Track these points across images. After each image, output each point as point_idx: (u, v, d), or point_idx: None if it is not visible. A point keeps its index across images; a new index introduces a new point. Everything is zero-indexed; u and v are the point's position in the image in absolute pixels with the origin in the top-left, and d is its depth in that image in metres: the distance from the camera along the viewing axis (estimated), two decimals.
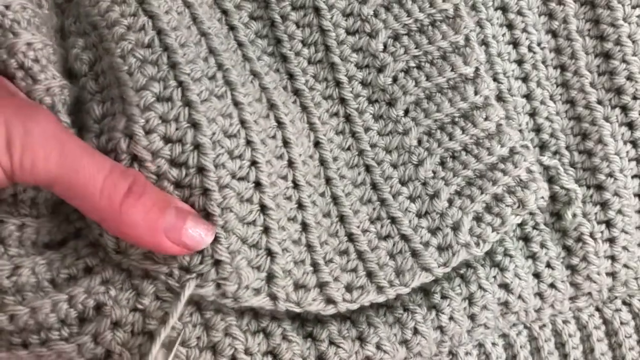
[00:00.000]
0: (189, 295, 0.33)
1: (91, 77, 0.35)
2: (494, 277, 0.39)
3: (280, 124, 0.36)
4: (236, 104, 0.35)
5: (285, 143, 0.36)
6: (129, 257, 0.34)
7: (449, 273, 0.38)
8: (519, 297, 0.39)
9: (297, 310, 0.35)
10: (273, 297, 0.34)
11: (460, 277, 0.38)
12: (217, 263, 0.33)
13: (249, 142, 0.34)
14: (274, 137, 0.36)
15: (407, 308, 0.37)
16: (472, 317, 0.38)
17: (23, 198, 0.34)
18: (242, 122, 0.35)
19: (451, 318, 0.37)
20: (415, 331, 0.37)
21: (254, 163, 0.34)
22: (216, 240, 0.33)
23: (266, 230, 0.34)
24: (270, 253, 0.34)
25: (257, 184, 0.34)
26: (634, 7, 0.41)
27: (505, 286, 0.39)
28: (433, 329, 0.37)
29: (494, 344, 0.40)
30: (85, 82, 0.35)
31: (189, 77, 0.34)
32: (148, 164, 0.33)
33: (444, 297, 0.38)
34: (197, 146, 0.33)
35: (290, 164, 0.36)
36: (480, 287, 0.38)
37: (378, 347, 0.36)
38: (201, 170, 0.33)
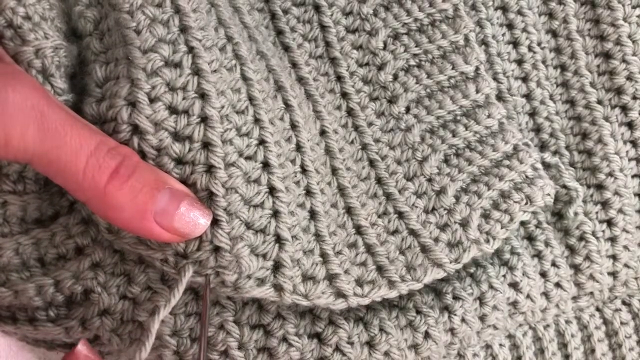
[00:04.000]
0: (187, 282, 0.31)
1: (96, 36, 0.33)
2: (504, 275, 0.38)
3: (288, 107, 0.35)
4: (245, 79, 0.33)
5: (294, 126, 0.35)
6: (122, 239, 0.31)
7: (459, 272, 0.37)
8: (528, 296, 0.38)
9: (305, 303, 0.33)
10: (278, 289, 0.32)
11: (470, 276, 0.37)
12: (217, 250, 0.31)
13: (257, 120, 0.33)
14: (281, 119, 0.34)
15: (420, 310, 0.36)
16: (482, 318, 0.37)
17: (8, 172, 0.31)
18: (251, 99, 0.33)
19: (463, 320, 0.36)
20: (427, 335, 0.35)
21: (262, 142, 0.32)
22: (217, 224, 0.31)
23: (275, 214, 0.32)
24: (279, 239, 0.32)
25: (266, 165, 0.32)
26: (634, 7, 0.41)
27: (514, 285, 0.38)
28: (444, 332, 0.36)
29: (501, 345, 0.39)
30: (89, 41, 0.33)
31: (200, 43, 0.32)
32: (149, 137, 0.30)
33: (456, 297, 0.36)
34: (204, 119, 0.31)
35: (299, 148, 0.35)
36: (491, 286, 0.37)
37: (386, 354, 0.35)
38: (207, 145, 0.31)
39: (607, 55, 0.42)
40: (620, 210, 0.41)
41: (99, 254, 0.32)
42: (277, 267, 0.32)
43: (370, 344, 0.35)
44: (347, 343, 0.34)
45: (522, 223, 0.40)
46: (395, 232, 0.36)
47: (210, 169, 0.31)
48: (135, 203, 0.29)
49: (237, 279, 0.31)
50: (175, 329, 0.32)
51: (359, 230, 0.36)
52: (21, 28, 0.30)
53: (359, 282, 0.34)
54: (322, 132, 0.37)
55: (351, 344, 0.34)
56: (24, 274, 0.32)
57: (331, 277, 0.34)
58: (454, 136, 0.38)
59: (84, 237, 0.32)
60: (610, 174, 0.41)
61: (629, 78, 0.41)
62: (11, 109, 0.27)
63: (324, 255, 0.34)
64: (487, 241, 0.36)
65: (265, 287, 0.32)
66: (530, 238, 0.40)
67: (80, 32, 0.33)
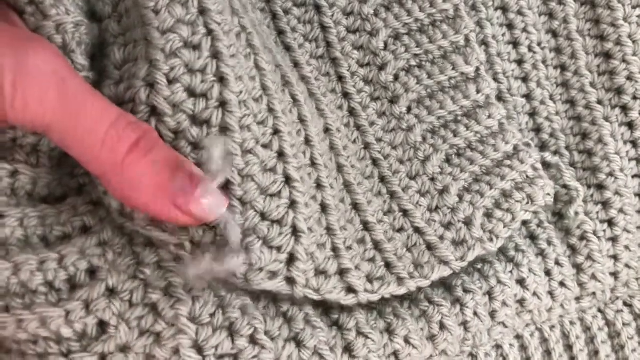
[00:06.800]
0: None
1: (114, 18, 0.32)
2: (510, 272, 0.38)
3: (295, 101, 0.34)
4: (259, 68, 0.32)
5: (302, 120, 0.34)
6: (134, 221, 0.30)
7: (467, 268, 0.37)
8: (534, 294, 0.38)
9: (316, 297, 0.32)
10: (291, 282, 0.31)
11: (478, 272, 0.37)
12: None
13: (271, 110, 0.32)
14: (290, 112, 0.34)
15: (432, 301, 0.36)
16: (492, 314, 0.37)
17: (22, 143, 0.30)
18: (264, 89, 0.32)
19: (475, 313, 0.36)
20: (442, 326, 0.35)
21: (276, 132, 0.32)
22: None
23: (293, 204, 0.31)
24: (295, 231, 0.31)
25: (281, 154, 0.32)
26: (634, 7, 0.41)
27: (521, 282, 0.38)
28: (458, 325, 0.36)
29: (511, 346, 0.39)
30: (108, 24, 0.32)
31: (219, 27, 0.31)
32: (167, 119, 0.30)
33: (466, 290, 0.36)
34: (223, 103, 0.30)
35: (307, 141, 0.34)
36: (499, 281, 0.37)
37: (406, 340, 0.34)
38: (225, 130, 0.30)
39: (607, 56, 0.42)
40: (621, 210, 0.40)
41: (107, 233, 0.30)
42: (292, 260, 0.31)
43: (389, 331, 0.34)
44: (367, 326, 0.33)
45: (524, 223, 0.39)
46: (401, 229, 0.36)
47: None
48: (153, 179, 0.28)
49: (248, 271, 0.30)
50: (194, 313, 0.30)
51: (366, 226, 0.36)
52: (42, 4, 0.30)
53: (369, 278, 0.34)
54: (326, 130, 0.37)
55: (372, 328, 0.33)
56: (26, 250, 0.30)
57: (342, 272, 0.33)
58: (455, 136, 0.38)
59: (92, 217, 0.31)
60: (610, 174, 0.41)
61: (629, 78, 0.41)
62: (32, 71, 0.26)
63: (335, 249, 0.33)
64: (491, 240, 0.36)
65: (277, 280, 0.31)
66: (533, 237, 0.40)
67: (99, 15, 0.32)
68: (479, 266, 0.38)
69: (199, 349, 0.29)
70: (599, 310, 0.42)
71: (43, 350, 0.30)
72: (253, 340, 0.30)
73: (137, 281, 0.30)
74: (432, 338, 0.35)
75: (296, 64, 0.38)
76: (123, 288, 0.30)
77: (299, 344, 0.32)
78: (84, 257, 0.30)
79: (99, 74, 0.32)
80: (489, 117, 0.39)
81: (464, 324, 0.36)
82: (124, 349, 0.29)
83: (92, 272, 0.30)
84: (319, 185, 0.34)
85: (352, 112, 0.38)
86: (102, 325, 0.30)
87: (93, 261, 0.30)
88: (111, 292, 0.30)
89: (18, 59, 0.26)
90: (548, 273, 0.39)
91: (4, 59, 0.25)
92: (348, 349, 0.33)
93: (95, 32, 0.32)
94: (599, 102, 0.42)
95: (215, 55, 0.31)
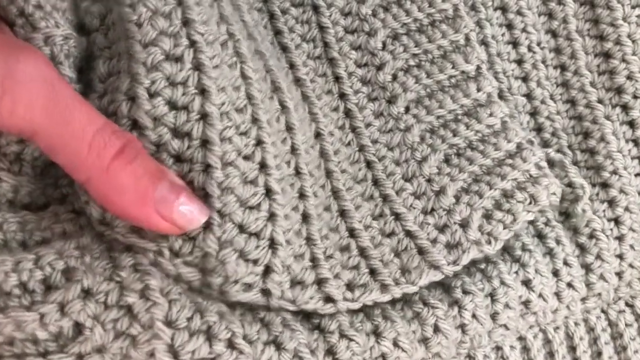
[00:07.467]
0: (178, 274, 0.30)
1: (102, 31, 0.32)
2: (516, 272, 0.37)
3: (284, 108, 0.34)
4: (244, 77, 0.32)
5: (289, 128, 0.34)
6: (114, 229, 0.30)
7: (468, 268, 0.36)
8: (540, 295, 0.37)
9: (292, 308, 0.32)
10: (266, 293, 0.31)
11: (480, 272, 0.36)
12: (206, 254, 0.30)
13: (255, 120, 0.32)
14: (277, 120, 0.34)
15: (427, 302, 0.34)
16: (493, 317, 0.36)
17: (6, 151, 0.31)
18: (249, 98, 0.32)
19: (474, 316, 0.35)
20: (436, 329, 0.34)
21: (259, 142, 0.32)
22: (208, 227, 0.30)
23: (272, 217, 0.31)
24: (273, 244, 0.31)
25: (263, 166, 0.32)
26: (633, 7, 0.41)
27: (526, 283, 0.37)
28: (454, 328, 0.34)
29: (512, 347, 0.38)
30: (95, 37, 0.32)
31: (202, 38, 0.31)
32: (148, 132, 0.30)
33: (465, 292, 0.35)
34: (204, 116, 0.31)
35: (293, 150, 0.34)
36: (502, 282, 0.36)
37: (395, 343, 0.33)
38: (205, 143, 0.30)
39: (607, 55, 0.41)
40: (626, 209, 0.40)
41: (86, 239, 0.31)
42: (267, 272, 0.31)
43: (376, 333, 0.33)
44: (351, 328, 0.33)
45: (531, 221, 0.38)
46: (391, 234, 0.36)
47: (207, 168, 0.30)
48: (137, 186, 0.28)
49: (223, 283, 0.31)
50: (170, 317, 0.29)
51: (352, 233, 0.35)
52: (32, 16, 0.30)
53: (350, 286, 0.34)
54: (317, 135, 0.36)
55: (356, 330, 0.33)
56: (2, 252, 0.30)
57: (320, 282, 0.33)
58: (454, 135, 0.38)
59: (73, 224, 0.31)
60: (614, 172, 0.40)
61: (629, 77, 0.41)
62: (21, 77, 0.26)
63: (314, 259, 0.33)
64: (489, 242, 0.36)
65: (252, 293, 0.31)
66: (541, 236, 0.39)
67: (87, 28, 0.33)
68: (482, 266, 0.37)
69: (174, 353, 0.29)
70: (602, 311, 0.41)
71: (20, 350, 0.29)
72: (231, 345, 0.30)
73: (113, 283, 0.30)
74: (424, 341, 0.34)
75: (292, 65, 0.38)
76: (98, 289, 0.29)
77: (279, 346, 0.31)
78: (61, 258, 0.30)
79: (85, 87, 0.32)
80: (490, 115, 0.38)
81: (462, 327, 0.35)
82: (100, 350, 0.29)
83: (68, 274, 0.30)
84: (302, 195, 0.34)
85: (348, 113, 0.38)
86: (78, 326, 0.29)
87: (70, 262, 0.30)
88: (86, 294, 0.29)
89: (7, 64, 0.26)
90: (556, 274, 0.38)
91: None
92: (330, 351, 0.32)
93: (84, 45, 0.32)
94: (600, 101, 0.41)
95: (197, 67, 0.31)
